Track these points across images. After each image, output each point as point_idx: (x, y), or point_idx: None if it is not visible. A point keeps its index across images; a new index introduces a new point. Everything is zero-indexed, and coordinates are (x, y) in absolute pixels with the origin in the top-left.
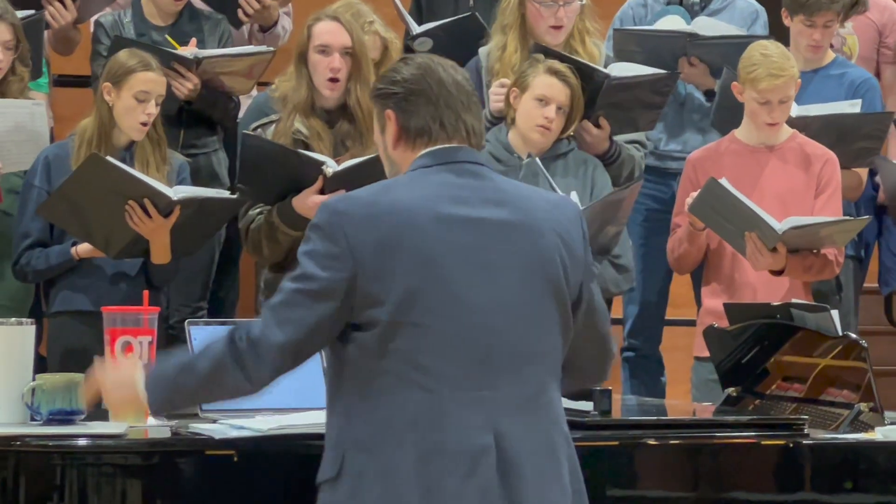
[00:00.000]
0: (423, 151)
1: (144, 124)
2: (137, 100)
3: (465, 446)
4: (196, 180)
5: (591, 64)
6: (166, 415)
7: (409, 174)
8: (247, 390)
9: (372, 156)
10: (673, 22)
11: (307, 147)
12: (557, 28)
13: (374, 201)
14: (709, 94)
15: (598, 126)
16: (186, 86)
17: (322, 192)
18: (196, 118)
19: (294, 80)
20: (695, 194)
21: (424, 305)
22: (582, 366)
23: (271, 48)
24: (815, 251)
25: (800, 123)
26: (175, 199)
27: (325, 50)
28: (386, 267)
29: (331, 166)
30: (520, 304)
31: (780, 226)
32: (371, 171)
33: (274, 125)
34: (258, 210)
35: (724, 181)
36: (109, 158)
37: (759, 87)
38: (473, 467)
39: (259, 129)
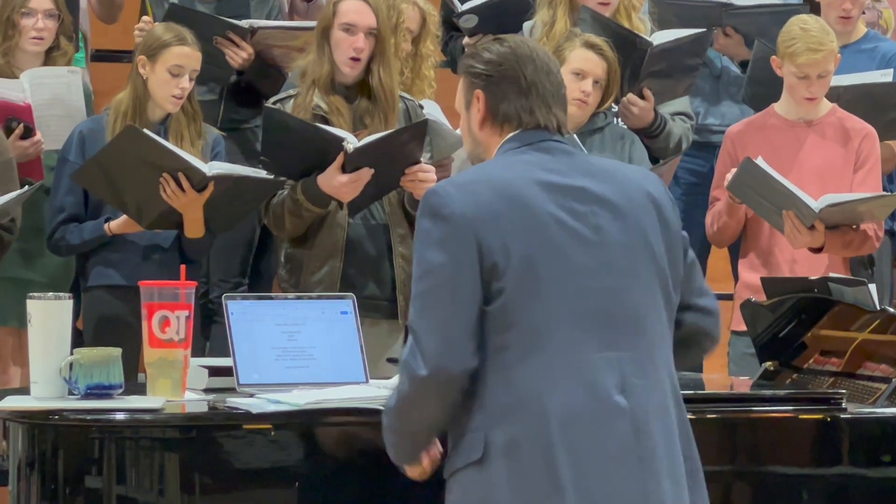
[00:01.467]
0: (511, 134)
1: (178, 97)
2: (171, 74)
3: (601, 408)
4: (234, 156)
5: (634, 32)
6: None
7: (499, 157)
8: (436, 407)
9: (392, 131)
10: None
11: (327, 122)
12: (605, 4)
13: (476, 179)
14: (744, 65)
15: (642, 98)
16: (240, 55)
17: (343, 168)
18: (237, 93)
19: (315, 54)
20: (733, 171)
21: (541, 272)
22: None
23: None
24: (854, 226)
25: (832, 94)
26: (209, 174)
27: (349, 29)
28: (499, 237)
29: (351, 142)
30: (627, 267)
31: (816, 204)
32: (391, 147)
33: (293, 99)
34: None
35: (759, 160)
36: (146, 131)
37: (797, 62)
38: (612, 428)
39: (278, 103)
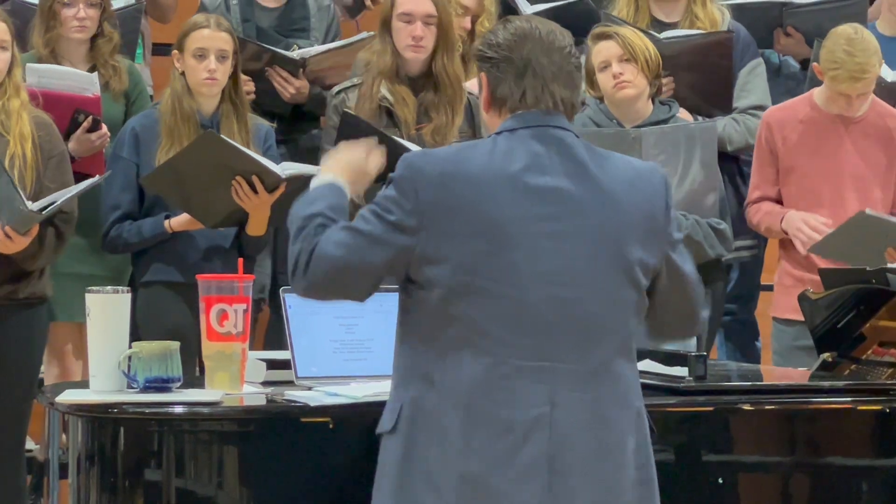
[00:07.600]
0: (508, 117)
1: (208, 80)
2: (196, 58)
3: (521, 416)
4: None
5: (644, 30)
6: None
7: (493, 137)
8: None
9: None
10: None
11: (391, 113)
12: None
13: (452, 161)
14: (805, 64)
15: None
16: (288, 89)
17: None
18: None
19: (378, 46)
20: (810, 235)
21: (489, 271)
22: (665, 321)
23: (372, 33)
24: None
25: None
26: (283, 176)
27: (407, 18)
28: (452, 229)
29: None
30: (588, 276)
31: None
32: None
33: (357, 88)
34: None
35: (869, 211)
36: (223, 137)
37: (838, 88)
38: (526, 438)
39: (342, 92)
